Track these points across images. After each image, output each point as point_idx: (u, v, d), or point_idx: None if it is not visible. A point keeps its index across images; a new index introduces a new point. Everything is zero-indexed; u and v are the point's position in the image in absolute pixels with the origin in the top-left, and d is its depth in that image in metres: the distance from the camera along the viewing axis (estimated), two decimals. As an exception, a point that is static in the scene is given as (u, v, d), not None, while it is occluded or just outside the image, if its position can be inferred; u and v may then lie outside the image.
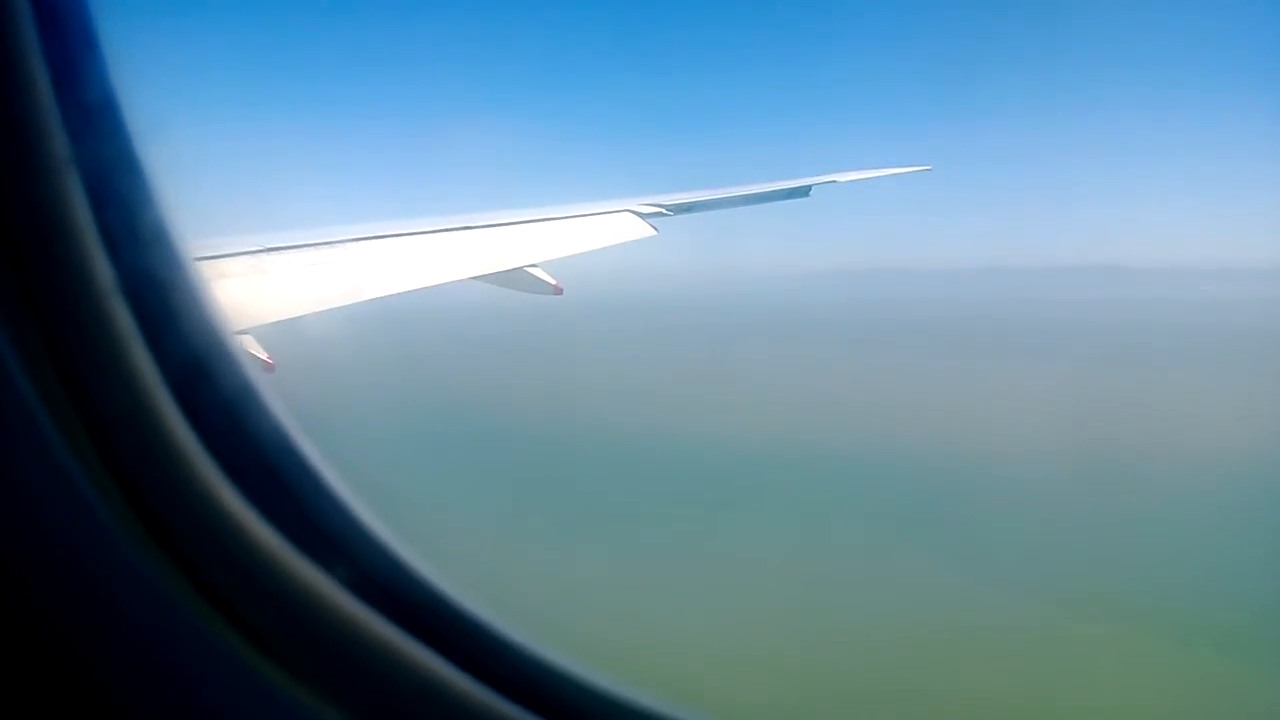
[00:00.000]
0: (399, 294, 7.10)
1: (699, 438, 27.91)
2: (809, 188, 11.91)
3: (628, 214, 9.65)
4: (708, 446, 26.90)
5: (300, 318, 6.02)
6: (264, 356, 5.38)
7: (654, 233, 9.71)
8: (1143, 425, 30.09)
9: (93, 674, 1.08)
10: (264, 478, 1.16)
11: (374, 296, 6.83)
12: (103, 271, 1.04)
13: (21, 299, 1.01)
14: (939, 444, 27.17)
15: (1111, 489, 22.99)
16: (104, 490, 1.05)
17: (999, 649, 14.28)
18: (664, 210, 10.02)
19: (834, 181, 12.55)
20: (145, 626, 1.08)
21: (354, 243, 7.05)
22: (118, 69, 1.09)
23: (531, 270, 8.09)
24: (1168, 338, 48.85)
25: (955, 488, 23.19)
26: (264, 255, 6.23)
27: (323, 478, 1.22)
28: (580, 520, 20.00)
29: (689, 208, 10.53)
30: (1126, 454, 26.28)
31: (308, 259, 6.52)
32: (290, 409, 1.22)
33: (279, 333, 5.69)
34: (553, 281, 8.14)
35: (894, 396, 34.81)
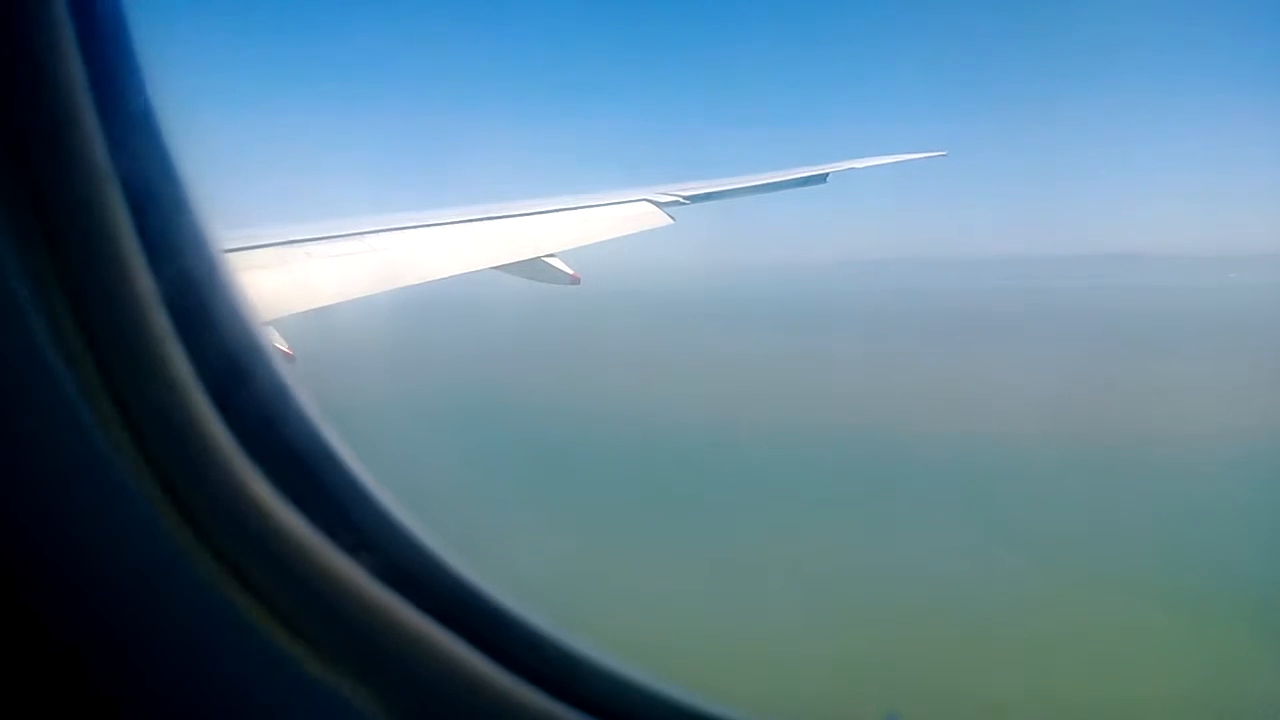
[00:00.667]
0: (418, 285, 7.14)
1: (718, 427, 27.89)
2: (826, 175, 11.83)
3: (645, 203, 9.64)
4: (728, 435, 26.89)
5: (322, 308, 6.08)
6: (284, 348, 5.44)
7: (671, 222, 9.70)
8: (1169, 411, 29.77)
9: (129, 657, 1.13)
10: (295, 471, 1.20)
11: (393, 288, 6.88)
12: (142, 278, 1.08)
13: (65, 305, 1.06)
14: (958, 432, 27.01)
15: (1136, 475, 22.79)
16: (143, 483, 1.09)
17: (1020, 637, 14.25)
18: (681, 199, 10.00)
19: (851, 168, 12.48)
20: (181, 610, 1.13)
21: (373, 234, 7.09)
22: (155, 79, 1.13)
23: (549, 260, 8.10)
24: (1192, 323, 48.25)
25: (975, 475, 23.06)
26: (288, 247, 6.29)
27: (351, 470, 1.26)
28: (604, 510, 20.07)
29: (706, 196, 10.50)
30: (1151, 440, 26.02)
31: (329, 251, 6.58)
32: (317, 401, 1.26)
33: (302, 323, 5.75)
34: (570, 271, 8.16)
35: (913, 386, 34.59)
